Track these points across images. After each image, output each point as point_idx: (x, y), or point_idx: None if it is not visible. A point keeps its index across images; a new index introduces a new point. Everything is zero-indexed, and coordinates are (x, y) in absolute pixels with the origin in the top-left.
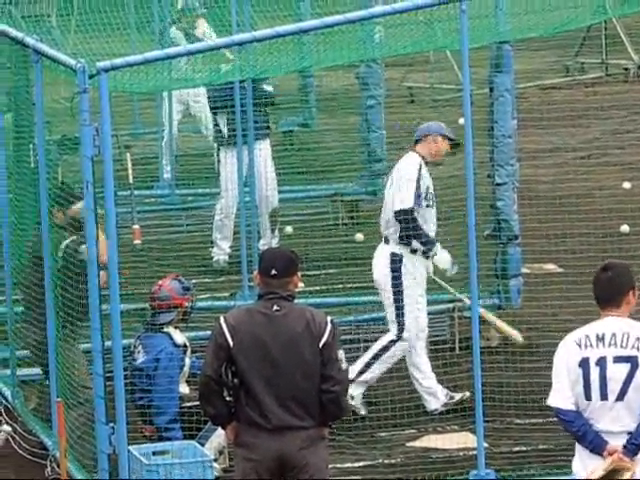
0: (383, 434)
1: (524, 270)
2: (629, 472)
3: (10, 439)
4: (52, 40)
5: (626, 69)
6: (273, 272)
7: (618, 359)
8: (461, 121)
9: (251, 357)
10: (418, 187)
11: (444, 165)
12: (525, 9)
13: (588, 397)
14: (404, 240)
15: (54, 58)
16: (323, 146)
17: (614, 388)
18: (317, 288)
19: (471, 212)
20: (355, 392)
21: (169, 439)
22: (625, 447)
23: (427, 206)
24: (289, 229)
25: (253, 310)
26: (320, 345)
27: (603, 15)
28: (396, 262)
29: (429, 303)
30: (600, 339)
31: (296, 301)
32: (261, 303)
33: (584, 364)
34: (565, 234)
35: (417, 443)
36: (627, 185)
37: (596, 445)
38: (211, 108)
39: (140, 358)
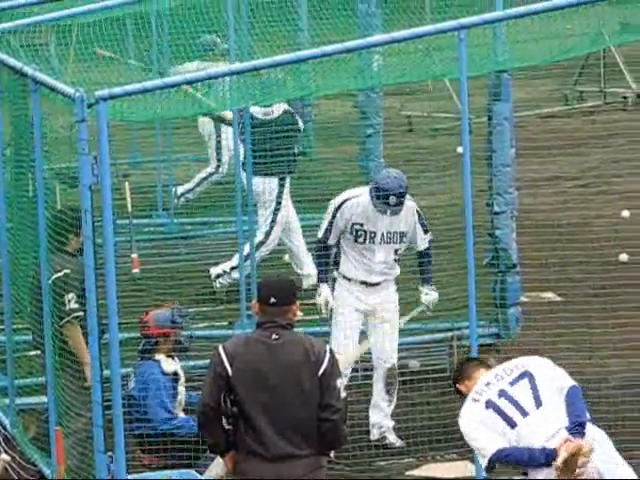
0: (382, 463)
1: (523, 299)
2: (586, 449)
3: (9, 468)
4: (51, 69)
5: (625, 97)
6: (272, 300)
7: (513, 382)
8: (459, 150)
9: (250, 386)
10: (331, 222)
11: (444, 194)
12: (524, 38)
13: (512, 424)
14: (335, 262)
15: (52, 87)
16: (321, 175)
17: (527, 401)
18: (316, 317)
19: (469, 241)
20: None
21: (180, 429)
22: (571, 432)
23: (356, 241)
24: (287, 257)
25: (252, 339)
26: (319, 374)
27: (602, 44)
28: (334, 285)
29: (427, 332)
30: (488, 384)
31: (295, 330)
32: (260, 332)
33: (489, 404)
34: (564, 263)
35: (416, 472)
36: (626, 214)
37: (548, 454)
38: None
39: (131, 386)
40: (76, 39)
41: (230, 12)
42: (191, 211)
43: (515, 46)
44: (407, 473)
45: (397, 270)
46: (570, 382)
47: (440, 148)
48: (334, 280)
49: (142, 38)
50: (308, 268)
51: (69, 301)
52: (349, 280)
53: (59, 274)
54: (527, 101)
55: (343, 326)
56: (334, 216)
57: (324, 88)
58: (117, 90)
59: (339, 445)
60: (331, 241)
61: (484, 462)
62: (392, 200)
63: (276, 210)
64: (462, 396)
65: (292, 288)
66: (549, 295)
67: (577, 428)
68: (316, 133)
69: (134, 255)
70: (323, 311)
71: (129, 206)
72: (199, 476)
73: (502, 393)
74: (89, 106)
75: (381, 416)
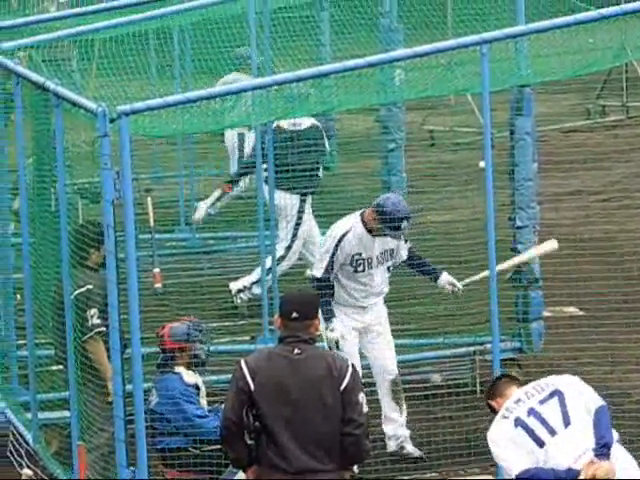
0: (405, 477)
1: (545, 313)
2: (607, 471)
3: None
4: (73, 84)
5: None
6: (294, 315)
7: (543, 401)
8: (482, 164)
9: (272, 400)
10: (332, 258)
11: (466, 208)
12: (546, 52)
13: (540, 443)
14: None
15: (75, 102)
16: (343, 189)
17: (556, 420)
18: None
19: (492, 255)
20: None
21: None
22: (596, 454)
23: (356, 271)
24: (310, 272)
25: (274, 353)
26: (341, 388)
27: (624, 58)
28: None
29: (450, 346)
30: (518, 401)
31: (317, 344)
32: (282, 346)
33: (518, 422)
34: (586, 277)
35: None
36: None
37: (573, 476)
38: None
39: (153, 401)
40: (98, 54)
41: (252, 27)
42: (213, 226)
43: (537, 60)
44: None
45: (387, 287)
46: (599, 402)
47: (462, 163)
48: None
49: (164, 53)
50: None
51: (92, 316)
52: (345, 305)
53: (81, 289)
54: (549, 115)
55: (343, 342)
56: (334, 254)
57: (346, 103)
58: (139, 105)
59: (361, 459)
60: (331, 277)
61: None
62: (404, 225)
63: (297, 225)
64: (493, 412)
65: (314, 303)
66: (572, 309)
67: (602, 449)
68: (338, 148)
69: (156, 270)
70: (335, 346)
71: (151, 221)
72: None
73: (531, 411)
74: (111, 121)
75: (396, 427)
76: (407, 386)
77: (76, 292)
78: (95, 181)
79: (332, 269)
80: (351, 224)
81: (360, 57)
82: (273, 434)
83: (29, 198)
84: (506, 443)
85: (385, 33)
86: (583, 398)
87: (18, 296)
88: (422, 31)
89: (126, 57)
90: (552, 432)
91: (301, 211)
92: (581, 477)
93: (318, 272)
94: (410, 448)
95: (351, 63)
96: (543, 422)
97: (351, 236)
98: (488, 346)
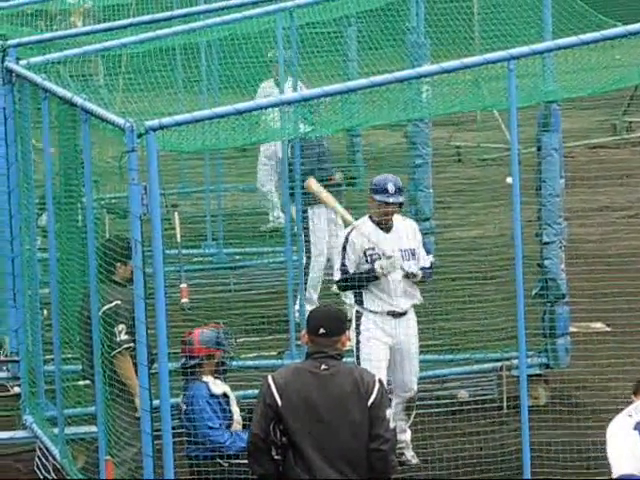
0: None
1: (572, 329)
2: None
3: None
4: (100, 99)
5: None
6: (322, 331)
7: None
8: (509, 180)
9: (299, 416)
10: (344, 257)
11: (493, 224)
12: (573, 68)
13: None
14: (357, 299)
15: (102, 117)
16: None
17: None
18: None
19: (519, 271)
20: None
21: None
22: None
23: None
24: (335, 287)
25: (301, 369)
26: (369, 404)
27: None
28: (357, 319)
29: (477, 362)
30: None
31: (344, 360)
32: (309, 362)
33: (638, 426)
34: (613, 293)
35: None
36: None
37: None
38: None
39: (183, 409)
40: (125, 69)
41: (280, 42)
42: (240, 241)
43: (564, 77)
44: None
45: (419, 294)
46: None
47: (489, 178)
48: (359, 317)
49: (191, 68)
50: None
51: (120, 332)
52: (375, 313)
53: (110, 305)
54: (576, 132)
55: (370, 358)
56: (344, 249)
57: (373, 119)
58: (167, 120)
59: (388, 475)
60: (350, 270)
61: (612, 476)
62: (390, 187)
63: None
64: None
65: (341, 318)
66: (598, 325)
67: None
68: (365, 163)
69: (183, 285)
70: (394, 266)
71: (178, 236)
72: None
73: None
74: (139, 136)
75: (399, 432)
76: (434, 402)
77: (105, 308)
78: (122, 196)
79: (346, 266)
80: (357, 223)
81: (387, 73)
82: (300, 449)
83: (56, 213)
84: (619, 444)
85: (412, 49)
86: None
87: (45, 311)
88: (449, 47)
89: (153, 72)
90: None
91: (306, 225)
92: None
93: (336, 275)
94: (409, 455)
95: (378, 79)
96: None
97: (357, 232)
98: (515, 362)
